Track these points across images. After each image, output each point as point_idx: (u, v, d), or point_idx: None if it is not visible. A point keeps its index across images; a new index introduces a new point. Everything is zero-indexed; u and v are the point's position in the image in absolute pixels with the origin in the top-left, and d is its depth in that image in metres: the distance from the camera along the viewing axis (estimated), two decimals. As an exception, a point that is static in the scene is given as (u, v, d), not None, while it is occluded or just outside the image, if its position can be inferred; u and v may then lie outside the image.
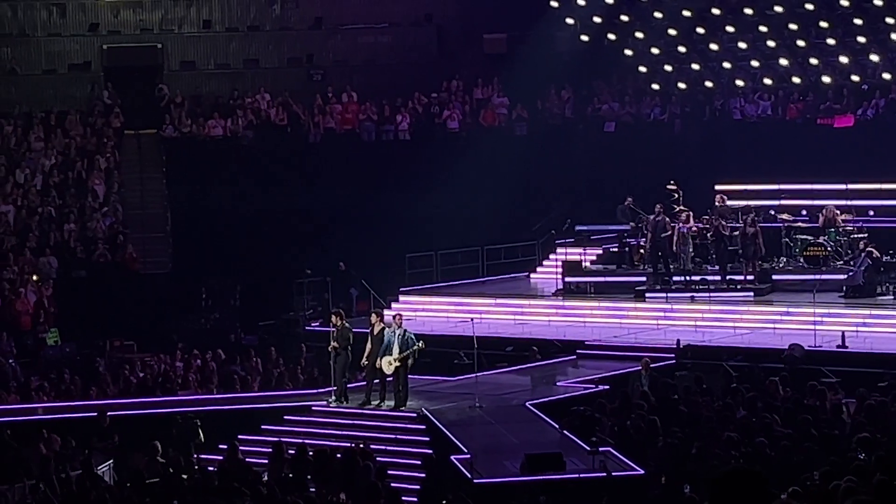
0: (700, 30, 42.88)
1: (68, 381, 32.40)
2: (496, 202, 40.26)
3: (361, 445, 24.39)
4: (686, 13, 42.46)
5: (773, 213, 36.53)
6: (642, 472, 22.20)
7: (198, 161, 42.31)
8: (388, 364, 27.34)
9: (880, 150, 38.43)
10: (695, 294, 34.73)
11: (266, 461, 24.65)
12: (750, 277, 35.03)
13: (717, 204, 36.13)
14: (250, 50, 46.01)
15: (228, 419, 28.16)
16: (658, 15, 43.03)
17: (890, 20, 39.88)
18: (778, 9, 41.16)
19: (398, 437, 26.67)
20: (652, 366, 28.37)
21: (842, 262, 34.93)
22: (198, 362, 33.71)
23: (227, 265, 38.96)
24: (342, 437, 26.10)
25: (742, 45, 42.54)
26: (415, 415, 27.18)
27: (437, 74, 45.51)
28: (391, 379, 27.55)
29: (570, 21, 44.30)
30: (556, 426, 25.40)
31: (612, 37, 44.32)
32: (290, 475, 23.44)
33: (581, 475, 22.34)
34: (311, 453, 23.98)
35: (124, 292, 38.09)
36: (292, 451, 24.42)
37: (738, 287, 34.88)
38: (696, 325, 32.87)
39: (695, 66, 43.71)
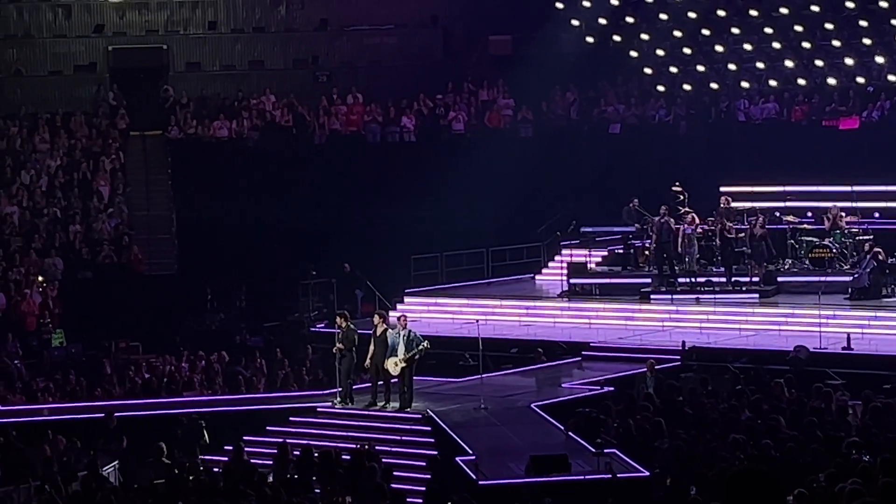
0: (705, 31, 42.81)
1: (73, 383, 32.43)
2: (501, 204, 40.20)
3: (366, 447, 24.39)
4: (691, 15, 42.45)
5: (778, 214, 36.46)
6: (647, 473, 22.17)
7: (203, 162, 42.34)
8: (393, 365, 27.31)
9: (886, 152, 38.32)
10: (700, 296, 34.72)
11: (271, 462, 24.64)
12: (756, 279, 34.99)
13: (721, 206, 36.12)
14: (256, 51, 46.01)
15: (233, 420, 28.18)
16: (663, 16, 43.02)
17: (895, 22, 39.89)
18: (783, 10, 41.15)
19: (403, 438, 26.65)
20: (657, 367, 28.35)
21: (847, 265, 34.89)
22: (203, 363, 33.72)
23: (232, 266, 38.98)
24: (347, 438, 26.11)
25: (747, 46, 42.49)
26: (420, 416, 27.16)
27: (443, 76, 45.51)
28: (396, 380, 27.54)
29: (575, 23, 44.26)
30: (562, 428, 25.40)
31: (617, 38, 44.30)
32: (296, 476, 23.47)
33: (586, 477, 22.36)
34: (316, 454, 24.00)
35: (129, 293, 38.10)
36: (297, 453, 24.45)
37: (744, 289, 34.86)
38: (701, 326, 32.79)
39: (700, 68, 43.64)
